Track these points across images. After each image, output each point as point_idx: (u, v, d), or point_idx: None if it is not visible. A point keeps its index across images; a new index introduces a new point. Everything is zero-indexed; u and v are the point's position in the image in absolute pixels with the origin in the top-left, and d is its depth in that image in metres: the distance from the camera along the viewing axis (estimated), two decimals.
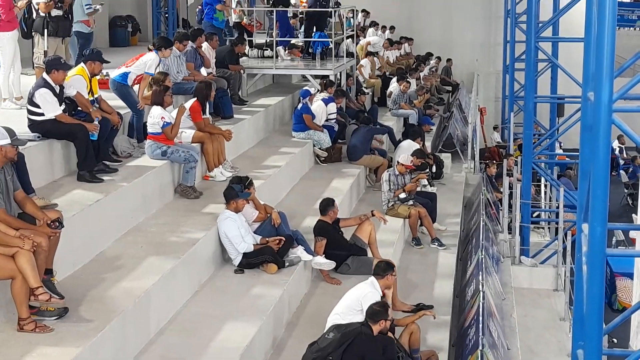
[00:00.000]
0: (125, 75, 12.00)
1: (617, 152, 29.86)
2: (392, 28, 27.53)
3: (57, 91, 9.73)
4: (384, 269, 9.55)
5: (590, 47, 6.67)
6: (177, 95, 13.24)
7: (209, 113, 12.79)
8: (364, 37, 24.44)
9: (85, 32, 14.57)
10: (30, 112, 9.81)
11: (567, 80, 16.85)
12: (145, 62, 12.19)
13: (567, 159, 23.05)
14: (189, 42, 14.32)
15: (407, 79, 21.13)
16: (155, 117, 11.19)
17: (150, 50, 12.88)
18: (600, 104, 6.03)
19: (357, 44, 22.19)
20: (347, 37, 20.29)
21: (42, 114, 9.68)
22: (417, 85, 22.27)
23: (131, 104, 11.89)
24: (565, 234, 14.71)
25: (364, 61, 21.78)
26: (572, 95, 19.12)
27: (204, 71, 14.69)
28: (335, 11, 19.93)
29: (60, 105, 9.78)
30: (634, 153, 28.17)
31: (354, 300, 9.09)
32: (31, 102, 9.74)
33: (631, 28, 36.51)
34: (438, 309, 10.77)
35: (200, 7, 18.75)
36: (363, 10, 27.17)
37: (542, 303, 14.34)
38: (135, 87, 12.22)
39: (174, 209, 10.75)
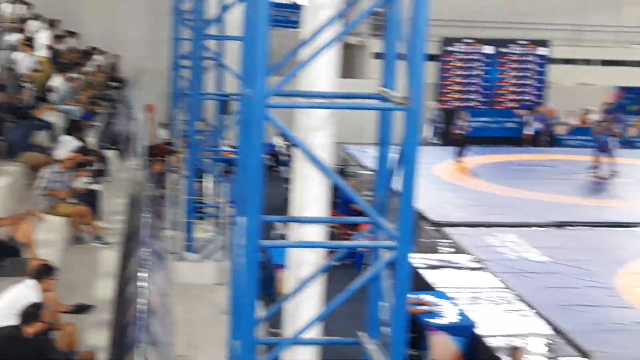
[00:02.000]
0: None
1: (279, 148, 30.92)
2: (57, 21, 26.52)
3: None
4: (42, 271, 9.19)
5: (248, 45, 6.82)
6: None
7: None
8: (25, 29, 23.33)
9: None
10: None
11: (235, 79, 17.18)
12: None
13: (233, 155, 23.45)
14: None
15: (76, 76, 20.52)
16: None
17: None
18: (254, 99, 6.17)
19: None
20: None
21: None
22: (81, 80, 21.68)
23: None
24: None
25: (17, 54, 20.51)
26: (238, 93, 19.49)
27: None
28: None
29: None
30: None
31: (9, 304, 8.65)
32: None
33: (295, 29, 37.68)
34: (100, 308, 10.58)
35: None
36: (23, 1, 25.95)
37: (205, 298, 14.54)
38: None
39: None
